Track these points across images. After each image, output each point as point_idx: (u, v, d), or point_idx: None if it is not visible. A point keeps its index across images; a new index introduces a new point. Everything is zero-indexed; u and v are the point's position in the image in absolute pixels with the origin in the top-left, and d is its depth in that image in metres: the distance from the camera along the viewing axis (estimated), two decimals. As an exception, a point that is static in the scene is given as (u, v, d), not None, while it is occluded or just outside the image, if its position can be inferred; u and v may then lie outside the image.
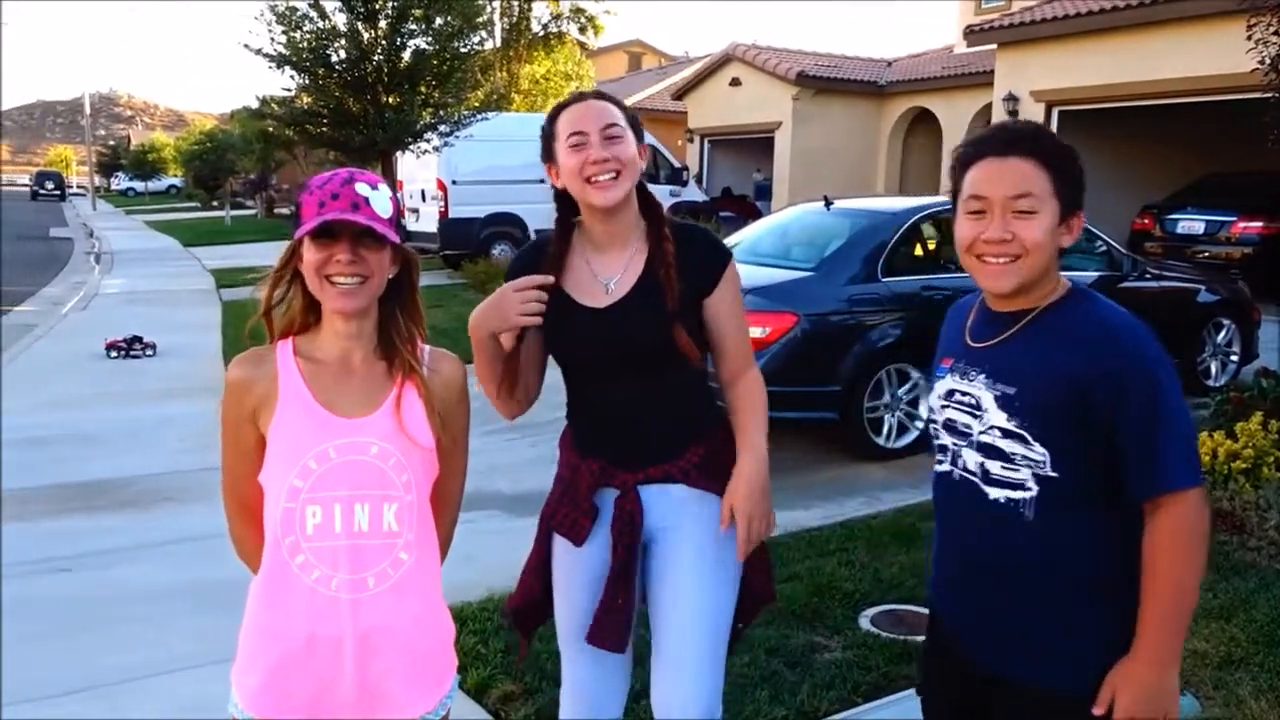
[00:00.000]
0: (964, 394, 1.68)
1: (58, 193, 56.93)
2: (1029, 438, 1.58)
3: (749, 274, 6.12)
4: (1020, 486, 1.60)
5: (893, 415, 5.74)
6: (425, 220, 15.58)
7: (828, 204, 6.47)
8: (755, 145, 20.77)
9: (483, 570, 3.65)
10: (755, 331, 5.52)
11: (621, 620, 1.99)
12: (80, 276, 17.06)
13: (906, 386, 5.74)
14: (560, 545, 2.08)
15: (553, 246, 2.03)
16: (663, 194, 17.80)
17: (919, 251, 6.16)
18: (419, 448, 1.63)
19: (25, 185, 67.87)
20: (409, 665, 1.65)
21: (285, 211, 33.63)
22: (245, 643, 1.68)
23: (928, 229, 6.09)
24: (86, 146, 58.43)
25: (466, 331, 1.90)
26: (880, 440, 5.69)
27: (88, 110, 53.82)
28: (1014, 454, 1.60)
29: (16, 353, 9.41)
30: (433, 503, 1.69)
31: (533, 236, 16.22)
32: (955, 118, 17.75)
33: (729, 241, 7.18)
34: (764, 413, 2.05)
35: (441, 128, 12.44)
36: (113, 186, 69.16)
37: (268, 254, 19.87)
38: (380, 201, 1.57)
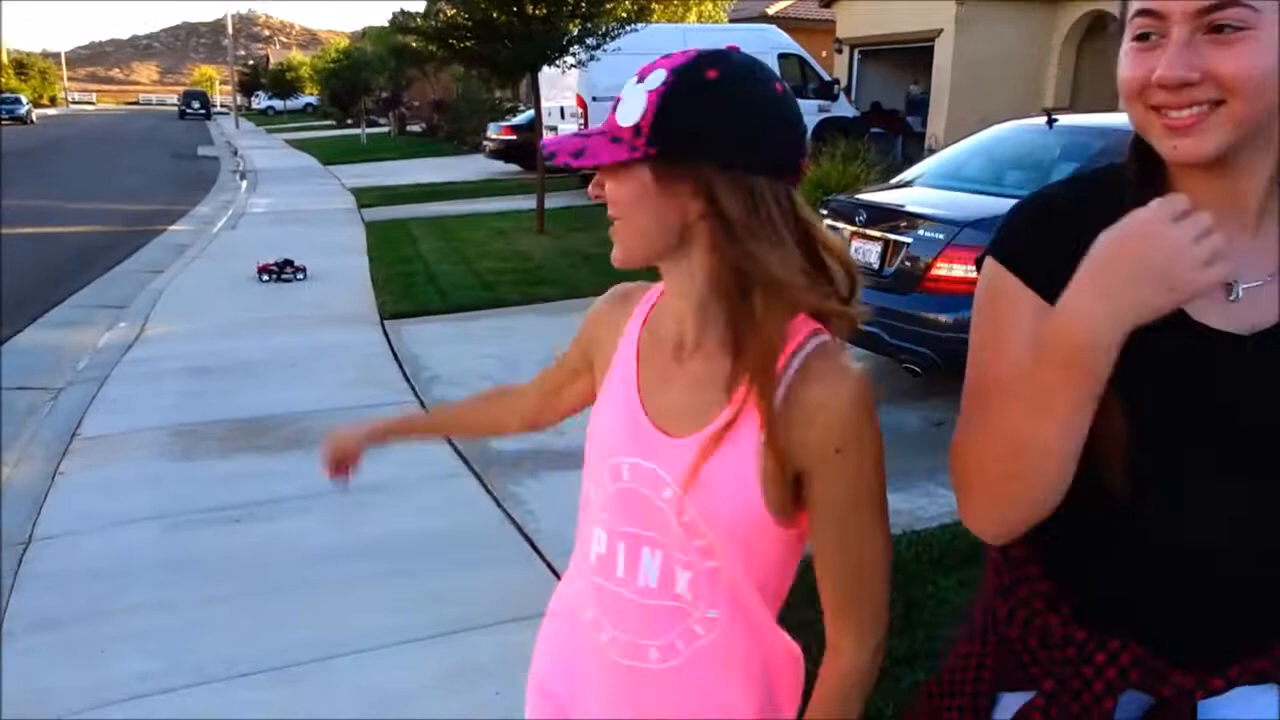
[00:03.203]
0: None
1: (203, 112, 59.00)
2: None
3: (959, 202, 5.41)
4: None
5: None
6: (565, 139, 15.12)
7: (1050, 122, 5.63)
8: (911, 56, 19.37)
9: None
10: (973, 271, 4.85)
11: None
12: (228, 195, 17.33)
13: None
14: None
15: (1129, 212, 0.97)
16: (810, 109, 16.80)
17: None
18: (724, 514, 1.07)
19: (174, 105, 70.51)
20: None
21: (417, 129, 33.74)
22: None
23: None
24: (229, 67, 60.04)
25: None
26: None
27: (230, 31, 55.11)
28: None
29: (175, 273, 9.44)
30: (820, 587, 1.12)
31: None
32: (1141, 23, 16.06)
33: (917, 170, 6.42)
34: None
35: (589, 40, 11.81)
36: (253, 105, 71.08)
37: (403, 171, 20.01)
38: (630, 102, 1.04)
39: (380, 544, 3.68)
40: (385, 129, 36.35)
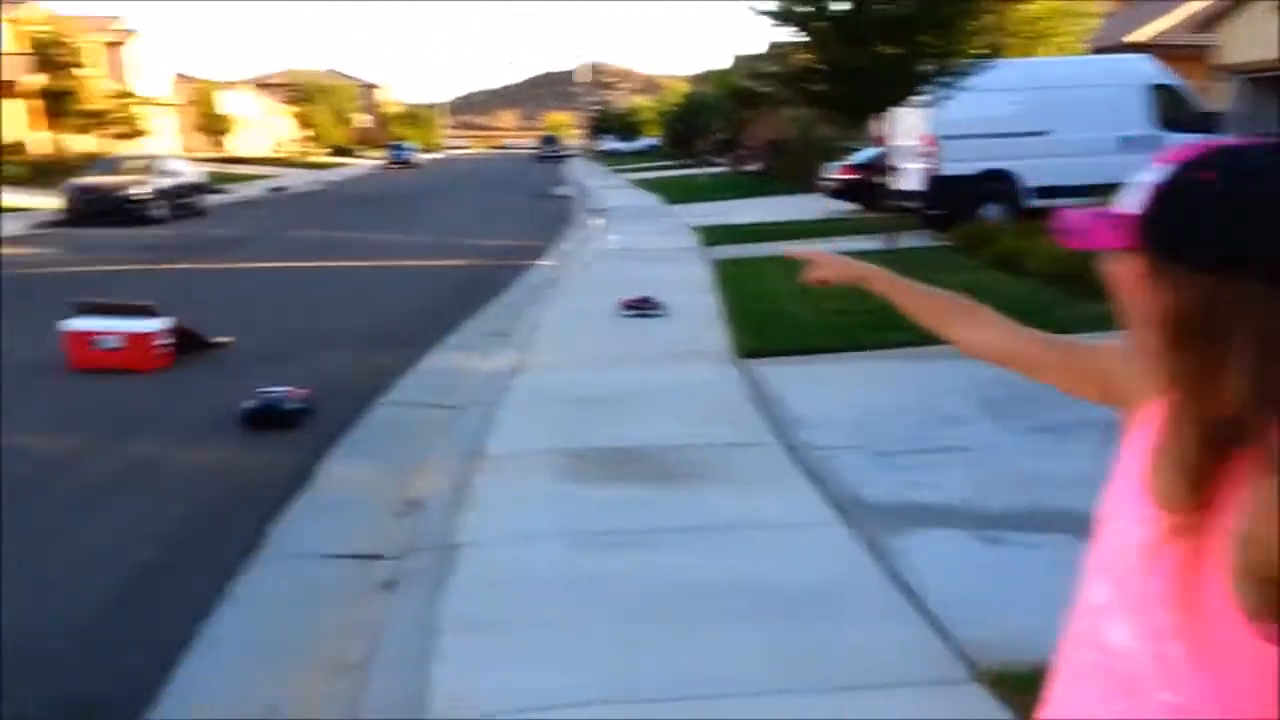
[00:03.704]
0: None
1: (557, 154, 64.32)
2: None
3: None
4: None
5: None
6: (909, 178, 14.81)
7: None
8: (1315, 81, 17.05)
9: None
10: None
11: None
12: (584, 233, 18.70)
13: None
14: None
15: None
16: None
17: None
18: (1205, 631, 1.00)
19: (530, 149, 77.52)
20: None
21: (753, 168, 34.60)
22: None
23: None
24: (581, 113, 65.17)
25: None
26: None
27: (588, 79, 59.78)
28: None
29: (547, 306, 10.35)
30: None
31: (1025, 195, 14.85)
32: None
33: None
34: None
35: (941, 79, 11.56)
36: (598, 147, 76.53)
37: (743, 210, 20.58)
38: (1137, 189, 1.04)
39: (751, 585, 3.75)
40: (722, 168, 37.62)
